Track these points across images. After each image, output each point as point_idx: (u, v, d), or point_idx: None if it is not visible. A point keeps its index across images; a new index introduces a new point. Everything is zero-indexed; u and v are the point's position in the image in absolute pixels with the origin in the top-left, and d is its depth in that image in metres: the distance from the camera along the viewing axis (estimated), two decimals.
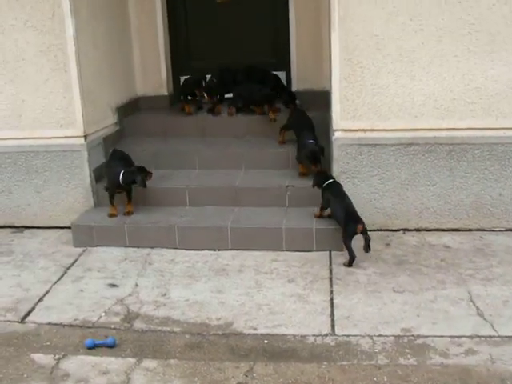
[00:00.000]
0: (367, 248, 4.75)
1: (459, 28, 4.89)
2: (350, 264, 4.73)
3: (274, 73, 6.64)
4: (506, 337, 3.75)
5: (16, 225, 5.86)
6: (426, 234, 5.23)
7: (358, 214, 4.81)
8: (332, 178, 5.11)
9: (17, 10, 5.35)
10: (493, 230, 5.25)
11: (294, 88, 6.74)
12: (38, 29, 5.37)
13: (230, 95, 6.55)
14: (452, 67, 4.97)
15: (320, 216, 5.12)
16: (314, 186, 5.08)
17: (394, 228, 5.32)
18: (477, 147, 5.10)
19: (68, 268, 4.97)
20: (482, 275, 4.51)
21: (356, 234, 4.74)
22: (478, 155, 5.11)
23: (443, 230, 5.27)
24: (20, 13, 5.36)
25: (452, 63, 4.96)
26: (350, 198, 4.94)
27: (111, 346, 3.85)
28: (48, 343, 3.94)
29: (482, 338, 3.75)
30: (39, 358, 3.78)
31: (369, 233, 4.76)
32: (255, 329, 3.97)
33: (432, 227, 5.29)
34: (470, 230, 5.27)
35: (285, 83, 6.77)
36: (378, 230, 5.29)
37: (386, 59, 5.00)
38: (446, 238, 5.15)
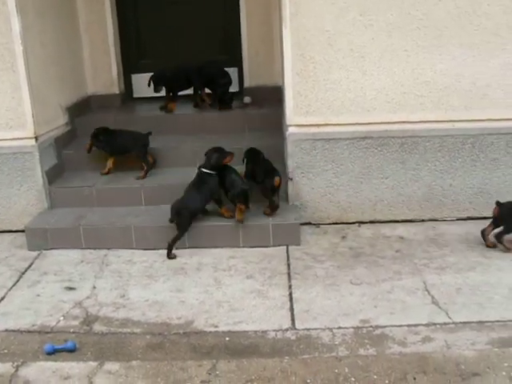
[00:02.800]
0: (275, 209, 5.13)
1: (408, 23, 4.98)
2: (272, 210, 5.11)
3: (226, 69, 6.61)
4: (460, 323, 3.87)
5: None
6: (381, 226, 5.33)
7: (277, 170, 5.13)
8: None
9: None
10: (445, 220, 5.38)
11: (247, 84, 6.78)
12: None
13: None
14: (402, 62, 5.06)
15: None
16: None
17: (349, 221, 5.39)
18: (428, 139, 5.22)
19: (23, 272, 4.87)
20: (436, 264, 4.62)
21: (274, 187, 5.06)
22: (429, 147, 5.23)
23: (397, 222, 5.38)
24: None
25: (402, 58, 5.06)
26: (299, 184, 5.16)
27: (71, 351, 3.79)
28: (5, 351, 3.85)
29: (438, 326, 3.85)
30: None
31: (324, 226, 4.82)
32: (216, 326, 3.98)
33: (386, 219, 5.39)
34: (422, 220, 5.39)
35: (237, 79, 6.79)
36: (333, 223, 5.38)
37: (338, 54, 5.05)
38: (401, 229, 5.25)
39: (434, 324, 3.87)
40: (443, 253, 4.81)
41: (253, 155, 5.32)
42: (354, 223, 5.39)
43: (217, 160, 5.07)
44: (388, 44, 5.02)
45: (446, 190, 5.33)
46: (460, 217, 5.38)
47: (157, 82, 6.35)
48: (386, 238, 5.11)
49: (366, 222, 5.40)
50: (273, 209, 5.11)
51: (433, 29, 4.99)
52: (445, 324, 3.87)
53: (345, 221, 5.39)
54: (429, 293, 4.23)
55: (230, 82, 6.44)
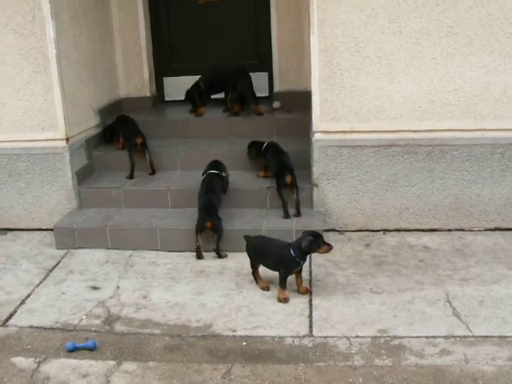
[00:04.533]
0: (297, 208, 5.21)
1: (437, 30, 4.93)
2: (296, 213, 5.18)
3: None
4: (480, 337, 3.81)
5: None
6: (406, 235, 5.29)
7: (289, 167, 5.21)
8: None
9: None
10: (471, 230, 5.31)
11: (276, 89, 6.80)
12: (19, 32, 5.36)
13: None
14: (430, 69, 5.02)
15: (264, 176, 5.55)
16: (250, 159, 5.63)
17: (374, 229, 5.37)
18: (455, 148, 5.16)
19: (50, 270, 4.99)
20: (460, 275, 4.57)
21: (286, 184, 5.15)
22: (456, 156, 5.17)
23: (423, 231, 5.33)
24: (0, 16, 5.35)
25: (430, 65, 5.01)
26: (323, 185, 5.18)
27: (92, 349, 3.87)
28: (29, 346, 3.96)
29: (457, 339, 3.80)
30: (20, 361, 3.80)
31: (348, 233, 4.81)
32: (234, 330, 4.01)
33: (412, 227, 5.34)
34: (449, 230, 5.33)
35: (267, 84, 6.85)
36: (358, 230, 5.36)
37: (365, 61, 5.04)
38: (426, 239, 5.21)
39: (454, 337, 3.82)
40: (468, 264, 4.75)
41: (272, 150, 5.47)
42: (378, 231, 5.36)
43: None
44: (416, 51, 4.98)
45: (473, 200, 5.26)
46: (487, 227, 5.30)
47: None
48: (410, 247, 5.07)
49: (391, 230, 5.36)
50: (296, 208, 5.23)
51: (463, 36, 4.94)
52: (465, 337, 3.82)
53: (369, 228, 5.37)
54: (450, 304, 4.18)
55: (246, 85, 6.37)
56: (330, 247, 4.35)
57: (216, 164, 5.43)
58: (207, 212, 5.04)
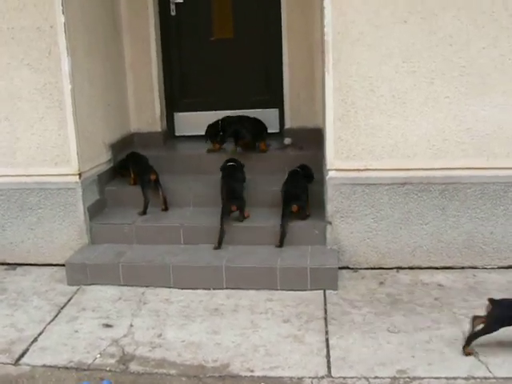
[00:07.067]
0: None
1: (450, 70, 4.98)
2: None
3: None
4: (501, 378, 3.76)
5: (8, 262, 5.82)
6: (420, 273, 5.26)
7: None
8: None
9: (13, 49, 5.39)
10: (485, 268, 5.29)
11: (288, 125, 6.83)
12: (34, 67, 5.41)
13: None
14: (444, 108, 5.06)
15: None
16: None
17: (387, 266, 5.34)
18: (469, 186, 5.17)
19: (62, 307, 4.94)
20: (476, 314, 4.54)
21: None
22: (469, 194, 5.18)
23: (436, 269, 5.31)
24: (16, 51, 5.40)
25: (444, 104, 5.05)
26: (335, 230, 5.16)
27: None
28: None
29: (478, 380, 3.76)
30: None
31: (362, 271, 4.79)
32: (252, 371, 3.96)
33: (425, 265, 5.32)
34: (462, 267, 5.31)
35: (278, 120, 6.91)
36: (371, 268, 5.33)
37: (380, 100, 5.08)
38: (440, 277, 5.18)
39: (474, 378, 3.78)
40: (483, 302, 4.66)
41: (290, 176, 5.69)
42: (392, 269, 5.34)
43: None
44: (430, 91, 5.03)
45: (486, 238, 5.26)
46: (501, 265, 5.29)
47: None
48: (424, 285, 5.05)
49: (405, 268, 5.34)
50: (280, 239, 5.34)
51: (475, 76, 4.98)
52: (485, 378, 3.77)
53: (383, 266, 5.35)
54: None
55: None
56: None
57: (232, 159, 5.92)
58: (231, 196, 5.47)
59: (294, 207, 5.34)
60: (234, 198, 5.48)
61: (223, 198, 5.52)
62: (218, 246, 5.33)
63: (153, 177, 5.85)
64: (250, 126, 6.38)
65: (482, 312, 4.11)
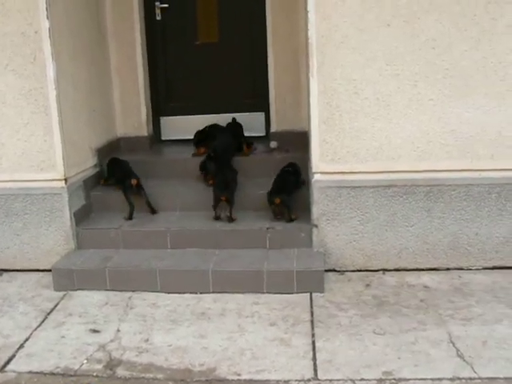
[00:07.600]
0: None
1: (434, 73, 5.02)
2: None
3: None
4: (486, 378, 3.79)
5: None
6: (406, 274, 5.29)
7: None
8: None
9: None
10: (470, 269, 5.33)
11: (273, 129, 6.83)
12: (19, 72, 5.38)
13: None
14: (428, 110, 5.09)
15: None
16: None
17: (373, 268, 5.37)
18: (453, 188, 5.21)
19: (49, 313, 4.92)
20: (462, 315, 4.56)
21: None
22: (454, 196, 5.22)
23: (422, 270, 5.34)
24: (0, 57, 5.37)
25: (427, 107, 5.09)
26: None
27: None
28: None
29: (463, 380, 3.78)
30: None
31: (348, 273, 4.81)
32: (239, 374, 3.97)
33: (411, 267, 5.35)
34: (448, 269, 5.34)
35: (263, 124, 6.96)
36: (357, 270, 5.36)
37: (364, 103, 5.11)
38: (425, 278, 5.21)
39: (459, 378, 3.80)
40: (469, 303, 4.76)
41: (281, 172, 5.79)
42: (378, 271, 5.36)
43: None
44: (414, 93, 5.06)
45: (471, 239, 5.29)
46: (486, 266, 5.32)
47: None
48: (410, 287, 5.07)
49: (391, 270, 5.36)
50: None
51: (458, 78, 5.02)
52: (470, 379, 3.80)
53: (369, 268, 5.37)
54: (454, 345, 4.17)
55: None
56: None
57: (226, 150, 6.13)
58: (222, 188, 5.58)
59: (277, 200, 5.41)
60: (224, 189, 5.59)
61: (214, 188, 5.66)
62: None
63: (134, 181, 5.82)
64: (231, 137, 6.47)
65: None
